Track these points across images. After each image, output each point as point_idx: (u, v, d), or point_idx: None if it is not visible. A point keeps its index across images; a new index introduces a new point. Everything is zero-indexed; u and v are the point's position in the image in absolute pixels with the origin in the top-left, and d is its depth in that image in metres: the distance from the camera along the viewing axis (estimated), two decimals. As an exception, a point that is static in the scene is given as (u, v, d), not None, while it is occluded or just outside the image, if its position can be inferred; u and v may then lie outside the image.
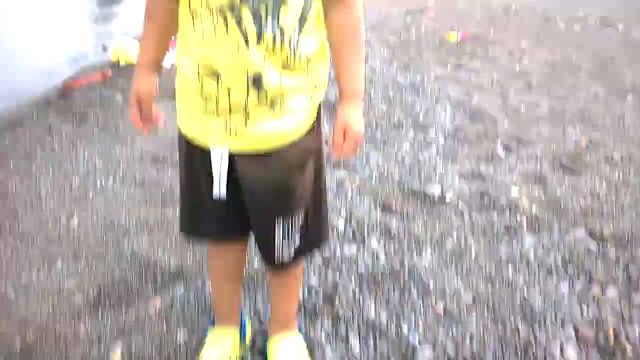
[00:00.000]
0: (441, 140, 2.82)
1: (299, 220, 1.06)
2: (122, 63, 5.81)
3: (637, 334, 1.35)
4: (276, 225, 1.05)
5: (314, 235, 1.12)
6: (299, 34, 0.91)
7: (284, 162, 1.00)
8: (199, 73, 0.93)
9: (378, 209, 2.00)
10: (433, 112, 3.36)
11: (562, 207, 2.04)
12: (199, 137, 1.01)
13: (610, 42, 5.65)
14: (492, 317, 1.41)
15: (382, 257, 1.67)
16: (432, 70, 4.67)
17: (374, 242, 1.75)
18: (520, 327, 1.37)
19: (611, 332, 1.35)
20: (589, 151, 2.65)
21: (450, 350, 1.29)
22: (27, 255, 1.88)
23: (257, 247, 1.14)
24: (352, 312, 1.42)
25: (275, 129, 0.97)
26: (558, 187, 2.21)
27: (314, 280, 1.54)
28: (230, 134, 0.96)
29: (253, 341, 1.33)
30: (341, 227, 1.87)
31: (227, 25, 0.87)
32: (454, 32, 6.51)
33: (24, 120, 3.60)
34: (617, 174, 2.35)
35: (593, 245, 1.74)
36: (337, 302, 1.46)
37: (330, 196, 2.13)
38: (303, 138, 1.01)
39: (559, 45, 5.57)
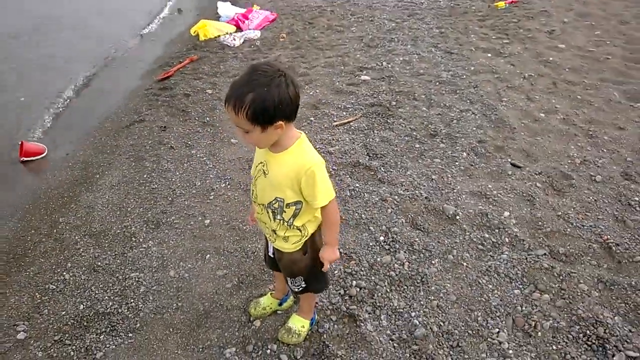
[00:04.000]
0: (464, 154, 3.66)
1: (299, 279, 2.08)
2: (201, 38, 6.81)
3: (549, 325, 2.31)
4: (288, 279, 2.12)
5: (311, 286, 2.13)
6: (292, 219, 1.87)
7: (286, 258, 2.02)
8: (258, 219, 1.97)
9: (408, 225, 2.98)
10: (465, 119, 4.13)
11: (537, 227, 2.92)
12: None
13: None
14: (464, 310, 2.41)
15: (406, 265, 2.68)
16: (474, 58, 5.24)
17: (402, 254, 2.75)
18: (479, 316, 2.37)
19: (534, 323, 2.32)
20: (579, 170, 3.42)
21: (435, 329, 2.32)
22: (183, 247, 3.01)
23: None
24: (384, 303, 2.47)
25: (282, 245, 1.97)
26: (541, 208, 3.07)
27: (363, 281, 2.59)
28: (270, 240, 2.03)
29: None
30: (382, 239, 2.88)
31: (264, 211, 1.88)
32: (502, 1, 6.90)
33: (144, 116, 4.67)
34: (592, 197, 3.16)
35: (546, 262, 2.65)
36: (375, 296, 2.51)
37: (374, 211, 3.11)
38: (294, 252, 1.98)
39: (600, 20, 5.87)
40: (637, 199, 3.09)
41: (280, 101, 1.57)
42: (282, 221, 1.87)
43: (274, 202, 1.83)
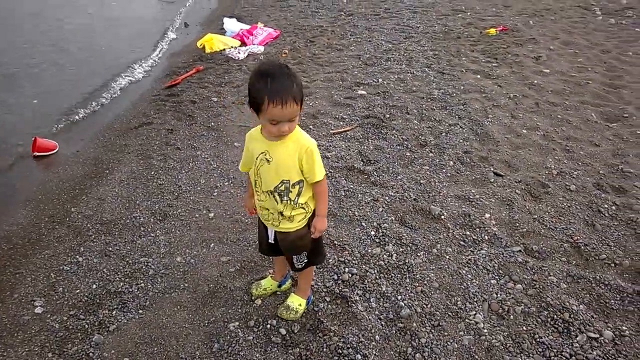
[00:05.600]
0: (451, 163, 3.96)
1: (303, 254, 2.34)
2: (207, 50, 7.14)
3: (520, 310, 2.56)
4: (293, 257, 2.36)
5: (314, 259, 2.40)
6: (297, 198, 2.13)
7: (292, 236, 2.27)
8: (260, 207, 2.21)
9: (397, 223, 3.25)
10: (453, 132, 4.44)
11: (515, 227, 3.20)
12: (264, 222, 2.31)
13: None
14: (445, 296, 2.67)
15: (394, 256, 2.94)
16: (464, 79, 5.59)
17: (390, 247, 3.01)
18: (459, 301, 2.63)
19: (507, 308, 2.58)
20: (555, 180, 3.73)
21: (419, 310, 2.57)
22: (188, 236, 3.25)
23: (287, 261, 2.45)
24: (373, 287, 2.72)
25: (288, 226, 2.23)
26: (519, 212, 3.36)
27: (355, 268, 2.84)
28: (272, 225, 2.25)
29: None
30: (372, 233, 3.14)
31: (270, 196, 2.13)
32: (494, 28, 7.31)
33: (152, 119, 4.94)
34: (565, 203, 3.45)
35: (521, 257, 2.92)
36: (365, 281, 2.76)
37: (367, 209, 3.38)
38: (301, 229, 2.25)
39: (583, 49, 6.30)
40: (606, 206, 3.38)
41: None
42: (289, 201, 2.12)
43: (279, 185, 2.08)
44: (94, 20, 8.91)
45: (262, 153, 2.06)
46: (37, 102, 5.55)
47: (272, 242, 2.35)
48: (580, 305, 2.57)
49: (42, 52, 7.17)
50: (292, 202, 2.13)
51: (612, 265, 2.87)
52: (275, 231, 2.29)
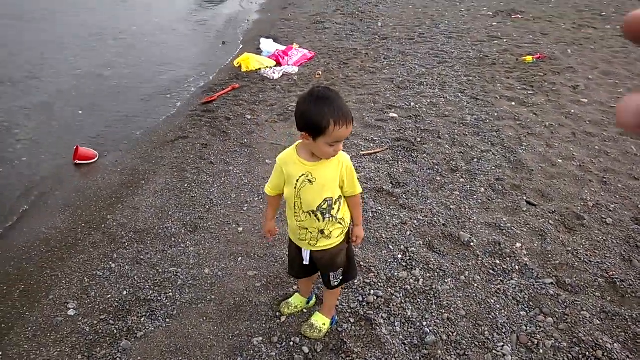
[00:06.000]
0: (482, 190, 3.92)
1: (340, 271, 2.35)
2: (243, 69, 7.30)
3: (551, 344, 2.50)
4: (330, 274, 2.36)
5: (349, 274, 2.42)
6: (337, 213, 2.16)
7: (330, 253, 2.28)
8: (299, 227, 2.22)
9: (425, 247, 3.23)
10: (485, 159, 4.40)
11: (547, 259, 3.13)
12: (297, 243, 2.32)
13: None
14: (472, 325, 2.62)
15: (421, 281, 2.91)
16: (498, 105, 5.55)
17: (417, 272, 2.99)
18: (486, 331, 2.58)
19: (537, 341, 2.52)
20: (591, 212, 3.64)
21: (445, 337, 2.53)
22: (217, 249, 3.30)
23: (322, 280, 2.44)
24: (398, 312, 2.70)
25: (326, 243, 2.24)
26: (552, 243, 3.28)
27: (381, 291, 2.83)
28: (309, 245, 2.25)
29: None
30: (399, 257, 3.13)
31: (311, 216, 2.14)
32: (530, 56, 7.25)
33: (187, 134, 5.08)
34: (601, 237, 3.36)
35: (552, 290, 2.85)
36: (391, 305, 2.74)
37: (394, 232, 3.37)
38: (339, 244, 2.27)
39: (624, 79, 6.18)
40: (644, 242, 3.27)
41: None
42: (331, 218, 2.16)
43: (322, 203, 2.12)
44: (137, 36, 9.27)
45: (303, 175, 2.07)
46: (81, 112, 5.78)
47: (307, 263, 2.33)
48: (615, 344, 2.49)
49: (86, 64, 7.50)
50: (333, 219, 2.17)
51: (649, 303, 2.77)
52: (310, 251, 2.30)
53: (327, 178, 2.07)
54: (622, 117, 0.54)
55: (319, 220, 2.15)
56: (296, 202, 2.14)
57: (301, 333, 2.55)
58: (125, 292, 2.92)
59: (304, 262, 2.33)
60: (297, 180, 2.09)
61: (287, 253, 3.13)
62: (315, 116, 1.87)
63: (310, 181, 2.07)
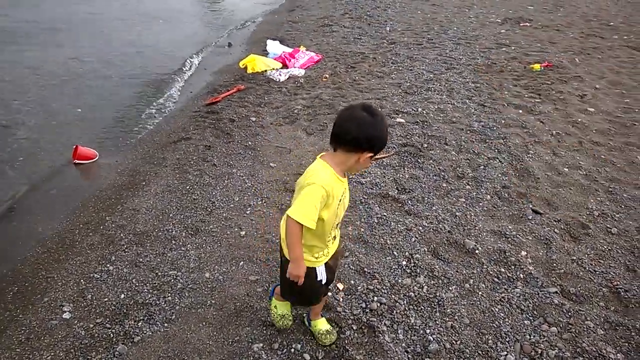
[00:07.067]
0: (488, 197, 3.87)
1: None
2: (249, 71, 7.28)
3: (554, 354, 2.43)
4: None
5: None
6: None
7: (339, 250, 2.28)
8: (332, 240, 2.18)
9: (430, 254, 3.17)
10: (492, 166, 4.34)
11: (552, 268, 3.08)
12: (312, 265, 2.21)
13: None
14: (475, 333, 2.57)
15: (425, 288, 2.86)
16: (506, 113, 5.49)
17: (422, 279, 2.94)
18: (489, 340, 2.52)
19: (540, 351, 2.46)
20: (596, 221, 3.58)
21: (448, 346, 2.48)
22: (219, 253, 3.25)
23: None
24: (401, 319, 2.64)
25: (337, 245, 2.24)
26: (557, 252, 3.22)
27: (384, 298, 2.78)
28: (327, 255, 2.19)
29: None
30: (404, 263, 3.07)
31: (338, 227, 2.14)
32: (538, 64, 7.21)
33: (190, 135, 5.04)
34: (606, 246, 3.30)
35: (557, 299, 2.79)
36: (394, 312, 2.69)
37: (399, 238, 3.32)
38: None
39: (631, 90, 6.11)
40: (651, 252, 3.21)
41: None
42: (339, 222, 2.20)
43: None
44: (142, 37, 9.27)
45: (342, 194, 2.04)
46: (80, 110, 5.75)
47: (325, 280, 2.23)
48: (618, 354, 2.44)
49: (88, 63, 7.50)
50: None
51: (656, 315, 2.71)
52: (324, 264, 2.20)
53: (349, 196, 2.16)
54: None
55: (339, 229, 2.24)
56: (335, 222, 2.10)
57: (321, 344, 2.47)
58: (122, 296, 2.87)
59: (321, 279, 2.21)
60: (339, 200, 2.03)
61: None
62: (378, 134, 1.88)
63: (343, 200, 2.07)
